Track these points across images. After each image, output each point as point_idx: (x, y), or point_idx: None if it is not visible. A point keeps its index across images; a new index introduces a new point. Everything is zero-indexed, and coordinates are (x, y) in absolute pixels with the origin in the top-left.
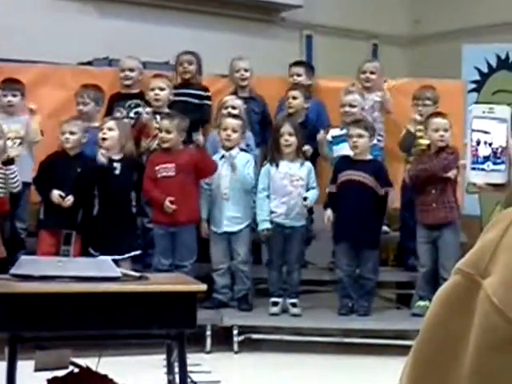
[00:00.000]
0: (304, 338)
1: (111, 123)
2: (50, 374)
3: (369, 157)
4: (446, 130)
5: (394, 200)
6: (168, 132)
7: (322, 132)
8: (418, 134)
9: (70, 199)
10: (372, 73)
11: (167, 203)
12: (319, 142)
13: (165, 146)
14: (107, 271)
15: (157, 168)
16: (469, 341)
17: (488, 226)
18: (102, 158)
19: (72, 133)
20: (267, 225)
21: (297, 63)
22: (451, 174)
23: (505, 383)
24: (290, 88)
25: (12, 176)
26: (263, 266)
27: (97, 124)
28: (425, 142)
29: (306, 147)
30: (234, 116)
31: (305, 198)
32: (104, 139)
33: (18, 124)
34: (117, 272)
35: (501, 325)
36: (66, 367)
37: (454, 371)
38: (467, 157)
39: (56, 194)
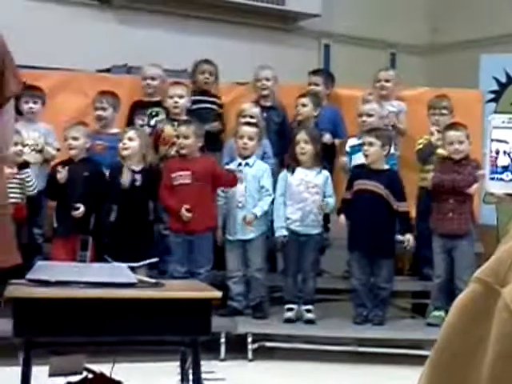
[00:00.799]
0: (318, 347)
1: (131, 133)
2: (64, 380)
3: (385, 166)
4: (461, 142)
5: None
6: (186, 138)
7: (336, 141)
8: (438, 143)
9: (80, 209)
10: (387, 81)
11: (183, 211)
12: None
13: (183, 151)
14: (123, 277)
15: (173, 175)
16: (486, 349)
17: (507, 236)
18: (126, 182)
19: (75, 138)
20: (284, 232)
21: (315, 72)
22: (473, 190)
23: None
24: (300, 95)
25: (28, 179)
26: (278, 274)
27: (114, 130)
28: (444, 152)
29: (327, 136)
30: (250, 124)
31: (323, 201)
32: (124, 149)
33: (36, 132)
34: (132, 278)
35: None
36: (81, 373)
37: (471, 379)
38: (486, 166)
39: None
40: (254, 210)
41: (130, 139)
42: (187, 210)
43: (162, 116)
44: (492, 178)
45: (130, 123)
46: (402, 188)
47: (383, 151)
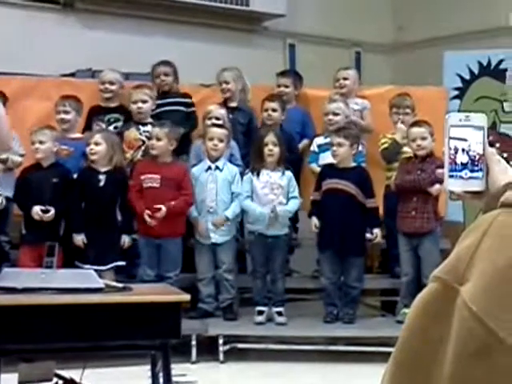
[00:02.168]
0: (290, 347)
1: (98, 137)
2: None
3: (352, 164)
4: (423, 139)
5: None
6: (158, 139)
7: (305, 141)
8: (404, 141)
9: (51, 213)
10: (345, 79)
11: (146, 217)
12: (303, 151)
13: (153, 152)
14: (90, 282)
15: (142, 177)
16: (447, 348)
17: (465, 233)
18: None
19: (41, 142)
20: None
21: (283, 73)
22: (435, 190)
23: None
24: (267, 99)
25: None
26: (248, 275)
27: (77, 135)
28: (409, 150)
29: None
30: (219, 125)
31: (272, 211)
32: (92, 154)
33: None
34: (100, 283)
35: (479, 331)
36: (50, 379)
37: (433, 378)
38: (445, 165)
39: (37, 209)
40: (226, 213)
41: (97, 144)
42: (152, 214)
43: (121, 122)
44: (451, 176)
45: (87, 128)
46: (371, 184)
47: (352, 150)
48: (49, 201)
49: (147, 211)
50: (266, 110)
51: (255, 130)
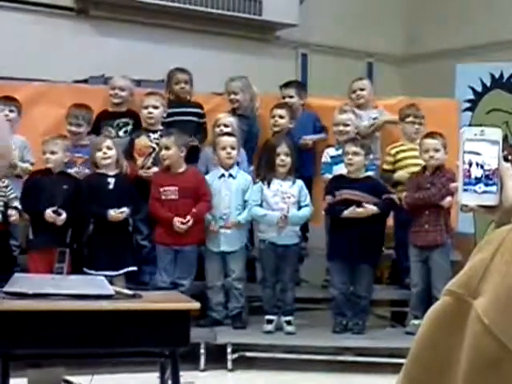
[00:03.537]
0: (298, 356)
1: (109, 142)
2: None
3: (364, 174)
4: (436, 150)
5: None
6: (167, 148)
7: (322, 135)
8: (400, 155)
9: (63, 216)
10: (362, 90)
11: (177, 224)
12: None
13: (166, 163)
14: (100, 289)
15: (161, 190)
16: (459, 361)
17: (478, 247)
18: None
19: (53, 152)
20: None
21: (287, 84)
22: (447, 203)
23: None
24: (276, 106)
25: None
26: (257, 284)
27: (86, 142)
28: (417, 161)
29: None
30: (230, 134)
31: (285, 216)
32: (106, 158)
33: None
34: (110, 290)
35: (491, 345)
36: None
37: None
38: (459, 178)
39: (49, 211)
40: (239, 217)
41: (109, 148)
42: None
43: (130, 127)
44: (465, 190)
45: (94, 133)
46: (385, 187)
47: (365, 161)
48: (59, 206)
49: (178, 218)
50: (274, 117)
51: (255, 136)
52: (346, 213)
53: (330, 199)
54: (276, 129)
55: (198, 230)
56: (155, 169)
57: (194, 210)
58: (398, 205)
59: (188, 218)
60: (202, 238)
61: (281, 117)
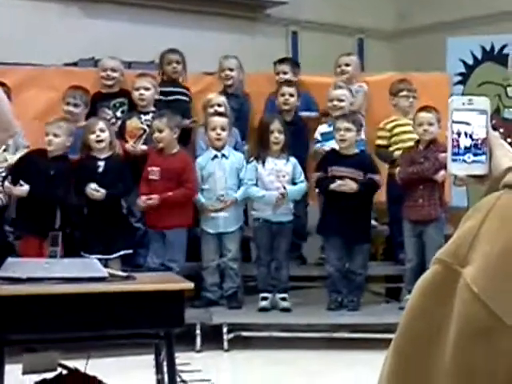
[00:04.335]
0: (294, 335)
1: (102, 124)
2: (38, 377)
3: (355, 151)
4: (430, 124)
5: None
6: (160, 131)
7: (313, 114)
8: (396, 130)
9: (25, 188)
10: (347, 65)
11: (140, 202)
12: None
13: (160, 145)
14: (94, 272)
15: (148, 169)
16: (449, 330)
17: (466, 216)
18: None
19: (56, 135)
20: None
21: (282, 60)
22: (441, 176)
23: (484, 371)
24: (284, 84)
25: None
26: (252, 264)
27: (82, 124)
28: (412, 136)
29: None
30: (221, 114)
31: (283, 187)
32: (99, 141)
33: None
34: (103, 272)
35: (480, 313)
36: (55, 369)
37: (434, 360)
38: (448, 149)
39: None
40: (236, 194)
41: (102, 130)
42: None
43: (126, 106)
44: (454, 160)
45: (90, 115)
46: (375, 166)
47: (357, 136)
48: (42, 193)
49: (143, 197)
50: (283, 95)
51: (246, 115)
52: (332, 186)
53: (319, 175)
54: (286, 107)
55: (185, 214)
56: (144, 147)
57: (169, 193)
58: (379, 186)
59: (155, 196)
60: (191, 221)
61: (291, 95)
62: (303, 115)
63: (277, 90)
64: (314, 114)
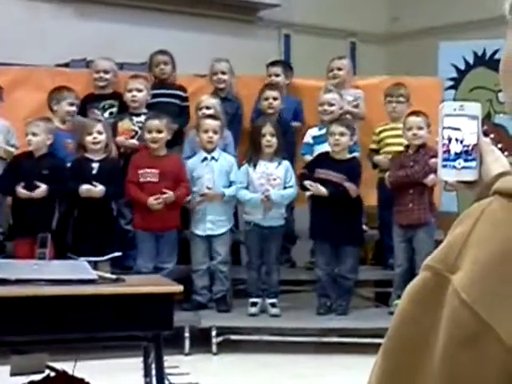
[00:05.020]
0: (283, 338)
1: (100, 126)
2: (26, 379)
3: (347, 156)
4: (420, 128)
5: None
6: (159, 131)
7: (296, 123)
8: (382, 135)
9: (42, 189)
10: (339, 69)
11: (153, 202)
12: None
13: (155, 146)
14: (83, 274)
15: (140, 172)
16: (438, 337)
17: (456, 222)
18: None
19: (34, 134)
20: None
21: (274, 63)
22: (430, 180)
23: (473, 377)
24: (268, 87)
25: None
26: (242, 267)
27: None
28: (398, 140)
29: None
30: (213, 117)
31: (267, 198)
32: (96, 143)
33: None
34: (93, 274)
35: (469, 320)
36: (43, 371)
37: (423, 367)
38: (438, 154)
39: (20, 189)
40: (224, 190)
41: (100, 132)
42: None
43: (115, 108)
44: (444, 166)
45: (81, 116)
46: (358, 176)
47: (350, 141)
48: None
49: (152, 197)
50: (267, 99)
51: (240, 119)
52: (305, 183)
53: (303, 171)
54: (271, 111)
55: (175, 216)
56: (134, 141)
57: (177, 192)
58: (351, 196)
59: (169, 193)
60: (179, 224)
61: (274, 98)
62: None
63: (260, 92)
64: (297, 123)
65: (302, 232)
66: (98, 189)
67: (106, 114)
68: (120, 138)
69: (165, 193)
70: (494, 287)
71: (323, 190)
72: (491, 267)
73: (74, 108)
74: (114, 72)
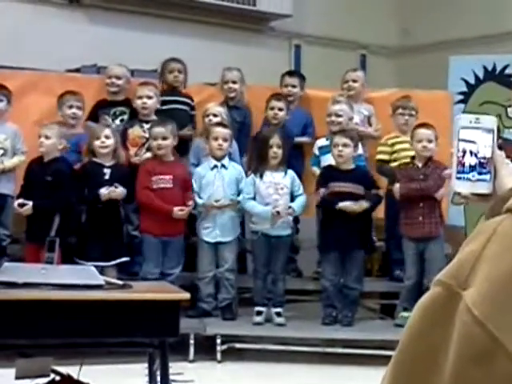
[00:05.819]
0: (287, 348)
1: (108, 131)
2: (30, 382)
3: (352, 166)
4: (430, 141)
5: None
6: (164, 138)
7: (305, 138)
8: (397, 147)
9: (28, 207)
10: (354, 81)
11: (178, 212)
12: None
13: (161, 152)
14: (90, 279)
15: (153, 178)
16: (448, 352)
17: (469, 238)
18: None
19: (47, 137)
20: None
21: (291, 73)
22: (440, 195)
23: None
24: (274, 97)
25: None
26: (247, 276)
27: (79, 131)
28: (409, 153)
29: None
30: (223, 125)
31: (289, 207)
32: (104, 147)
33: (2, 134)
34: (100, 280)
35: (480, 336)
36: (48, 375)
37: (433, 381)
38: (453, 166)
39: (15, 203)
40: (233, 197)
41: (107, 137)
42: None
43: (127, 115)
44: (459, 178)
45: (93, 121)
46: (374, 180)
47: (354, 152)
48: (39, 198)
49: (176, 208)
50: (272, 109)
51: (248, 128)
52: (341, 205)
53: (323, 192)
54: (275, 121)
55: (181, 222)
56: (148, 154)
57: (191, 202)
58: (381, 201)
59: (189, 207)
60: (184, 230)
61: (280, 109)
62: (297, 141)
63: (266, 102)
64: (305, 138)
65: (308, 242)
66: (119, 190)
67: (117, 121)
68: (135, 159)
69: (179, 200)
70: (506, 304)
71: (364, 205)
72: (503, 284)
73: (74, 110)
74: (126, 78)
